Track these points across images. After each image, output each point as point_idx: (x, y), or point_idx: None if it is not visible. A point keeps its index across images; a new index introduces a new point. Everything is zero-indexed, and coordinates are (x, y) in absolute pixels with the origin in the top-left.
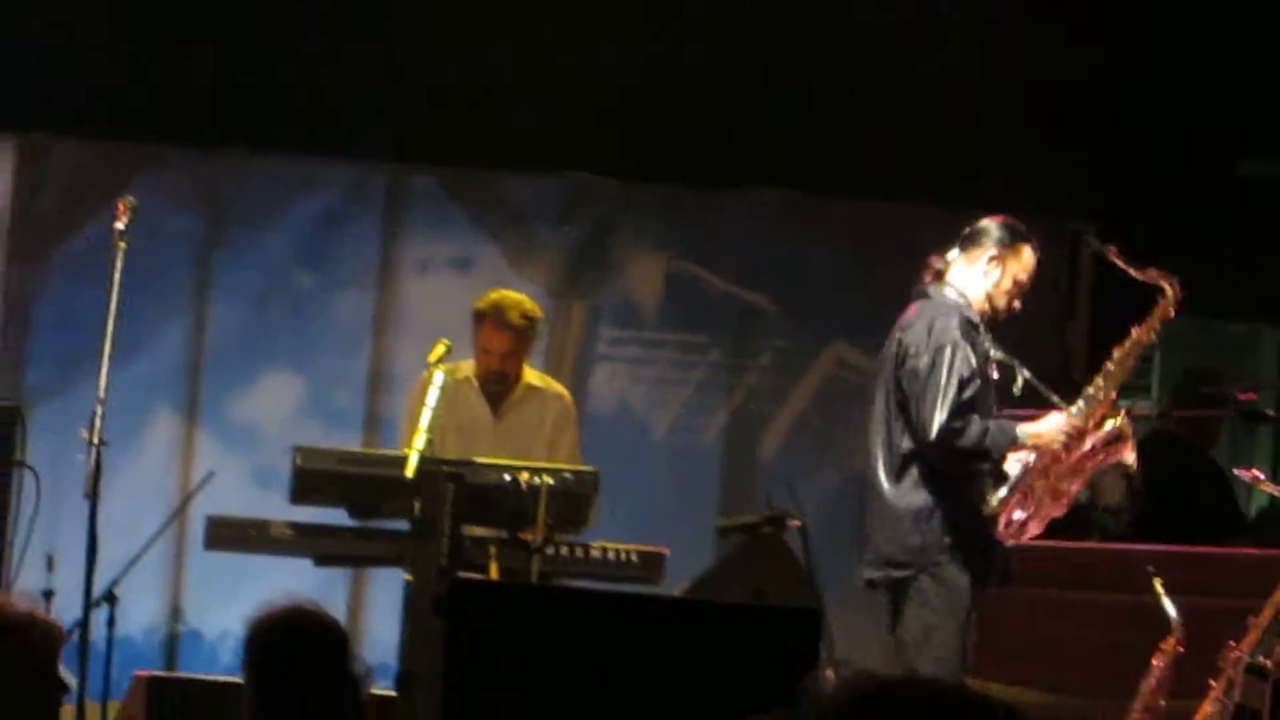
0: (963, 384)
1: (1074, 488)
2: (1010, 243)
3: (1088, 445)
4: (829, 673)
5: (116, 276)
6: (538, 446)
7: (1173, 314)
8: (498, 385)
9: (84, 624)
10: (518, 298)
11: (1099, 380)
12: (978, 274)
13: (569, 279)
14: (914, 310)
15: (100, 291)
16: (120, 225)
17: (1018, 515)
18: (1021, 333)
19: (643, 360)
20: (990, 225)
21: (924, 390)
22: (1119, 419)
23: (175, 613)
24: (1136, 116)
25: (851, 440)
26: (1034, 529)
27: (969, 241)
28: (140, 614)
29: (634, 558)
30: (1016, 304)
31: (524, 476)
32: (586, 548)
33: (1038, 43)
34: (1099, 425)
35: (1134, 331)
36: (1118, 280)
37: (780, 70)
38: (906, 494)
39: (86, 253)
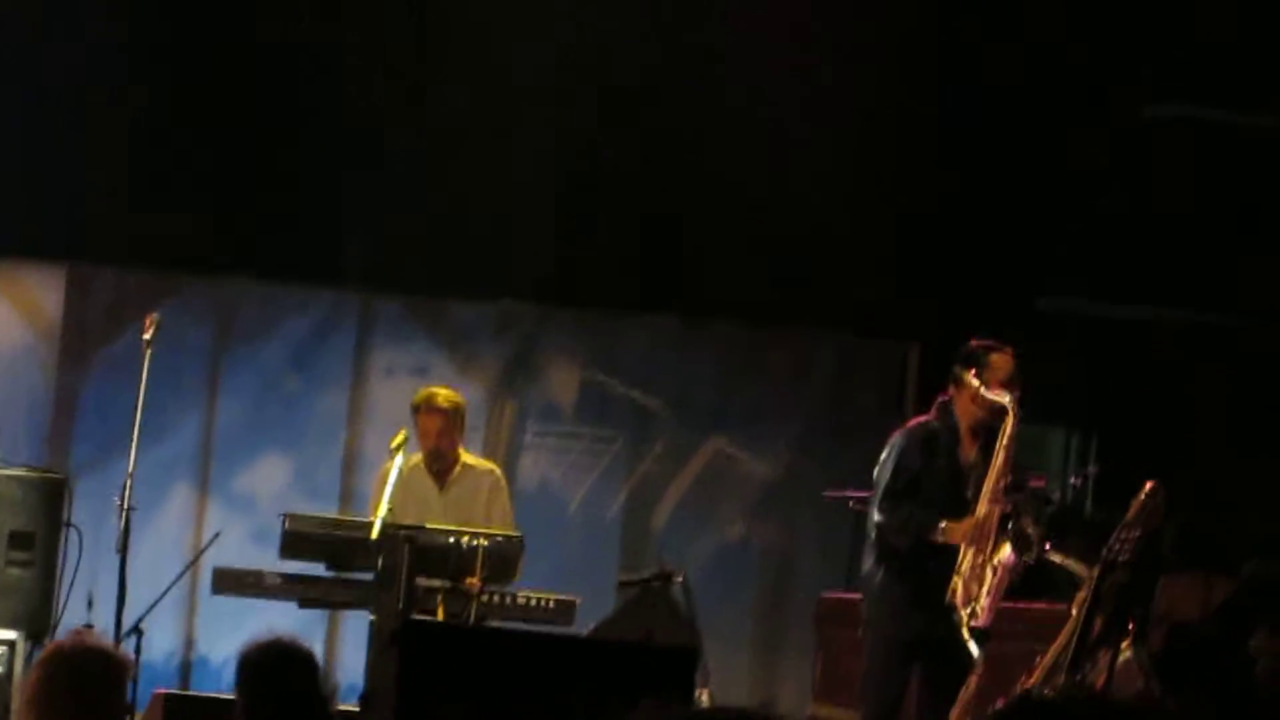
0: (895, 476)
1: (983, 586)
2: (968, 361)
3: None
4: (704, 697)
5: (144, 377)
6: (476, 512)
7: (1014, 426)
8: (439, 462)
9: None
10: (441, 389)
11: (985, 487)
12: (959, 392)
13: (503, 383)
14: None
15: (132, 388)
16: (147, 336)
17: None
18: (862, 428)
19: (560, 449)
20: (960, 351)
21: (876, 482)
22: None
23: (189, 643)
24: (955, 262)
25: (726, 513)
26: (985, 617)
27: (952, 368)
28: (161, 643)
29: (551, 604)
30: (1000, 398)
31: (464, 539)
32: (514, 595)
33: (869, 204)
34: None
35: (998, 446)
36: (935, 389)
37: (668, 221)
38: (866, 561)
39: (122, 357)
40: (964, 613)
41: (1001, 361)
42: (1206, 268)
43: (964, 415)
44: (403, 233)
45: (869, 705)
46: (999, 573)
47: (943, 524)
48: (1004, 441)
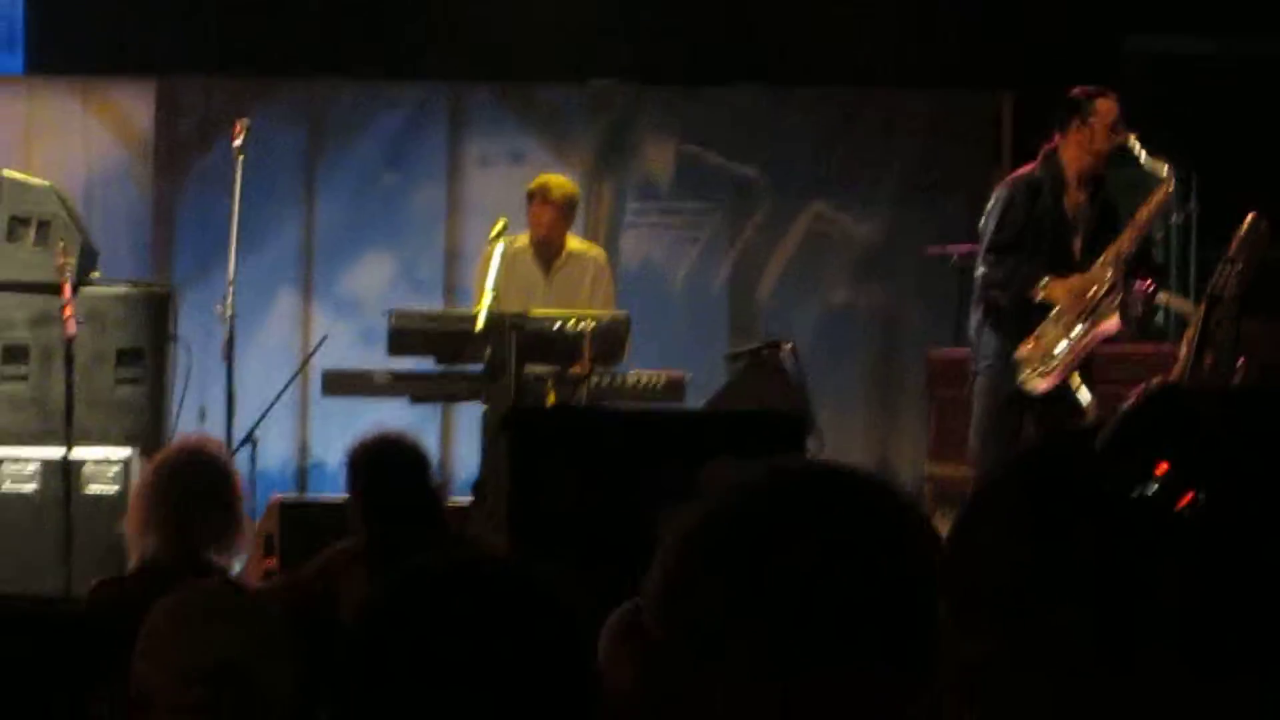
0: (998, 229)
1: (1058, 347)
2: (1072, 110)
3: (1089, 308)
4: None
5: (238, 184)
6: (581, 298)
7: (1165, 196)
8: (546, 250)
9: None
10: (559, 179)
11: (1109, 251)
12: (1065, 142)
13: (599, 164)
14: None
15: (229, 197)
16: (237, 143)
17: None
18: (959, 182)
19: (661, 225)
20: (1064, 99)
21: (981, 234)
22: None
23: (303, 448)
24: (1038, 7)
25: (830, 279)
26: (1049, 380)
27: (1055, 120)
28: (275, 451)
29: (661, 382)
30: (1111, 143)
31: (571, 323)
32: (624, 376)
33: None
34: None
35: (1138, 211)
36: (1032, 136)
37: None
38: (974, 315)
39: (216, 167)
40: (1026, 372)
41: (1107, 106)
42: None
43: (1071, 163)
44: (486, 20)
45: (980, 458)
46: (1087, 339)
47: (1045, 279)
48: (1150, 210)
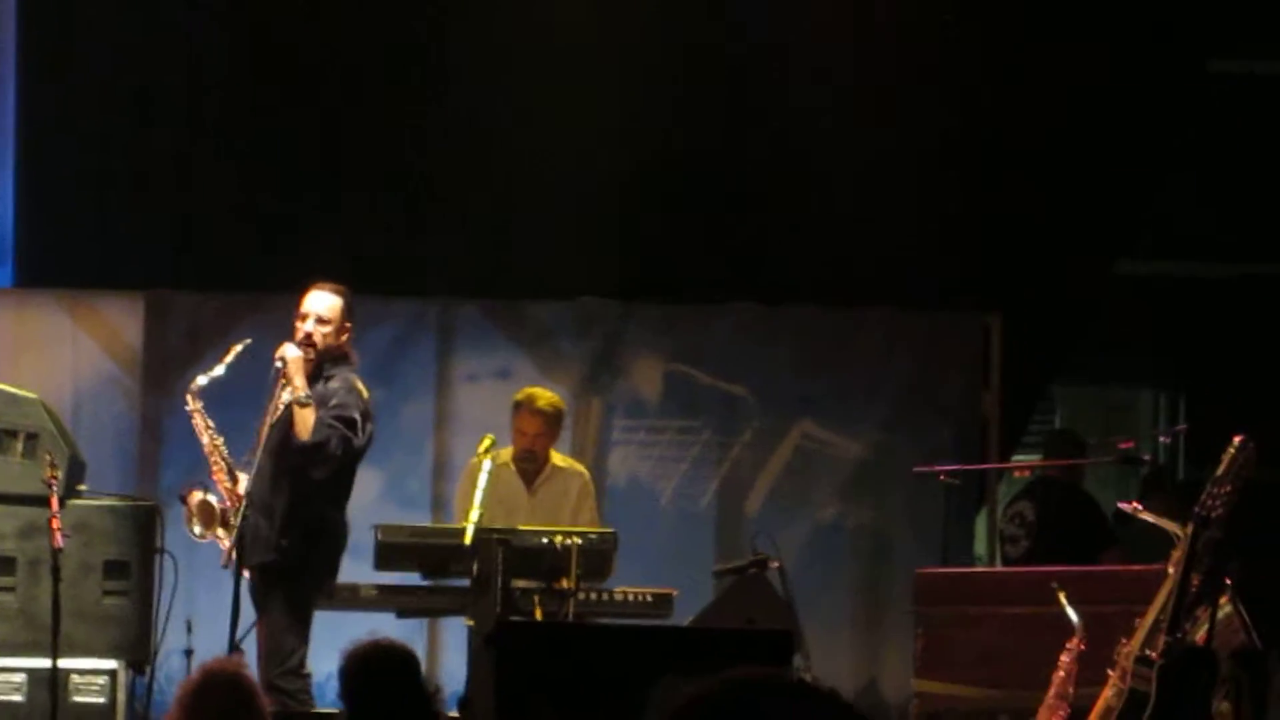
0: None
1: None
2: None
3: None
4: (806, 679)
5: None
6: (564, 514)
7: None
8: (530, 463)
9: None
10: (545, 391)
11: None
12: None
13: (587, 382)
14: None
15: (216, 410)
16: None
17: None
18: (948, 401)
19: (649, 443)
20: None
21: None
22: None
23: None
24: (1034, 230)
25: (817, 497)
26: None
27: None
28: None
29: (648, 598)
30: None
31: (558, 539)
32: (610, 592)
33: (941, 177)
34: None
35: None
36: (1019, 359)
37: (741, 208)
38: None
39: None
40: None
41: None
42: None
43: None
44: (477, 237)
45: None
46: None
47: None
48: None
